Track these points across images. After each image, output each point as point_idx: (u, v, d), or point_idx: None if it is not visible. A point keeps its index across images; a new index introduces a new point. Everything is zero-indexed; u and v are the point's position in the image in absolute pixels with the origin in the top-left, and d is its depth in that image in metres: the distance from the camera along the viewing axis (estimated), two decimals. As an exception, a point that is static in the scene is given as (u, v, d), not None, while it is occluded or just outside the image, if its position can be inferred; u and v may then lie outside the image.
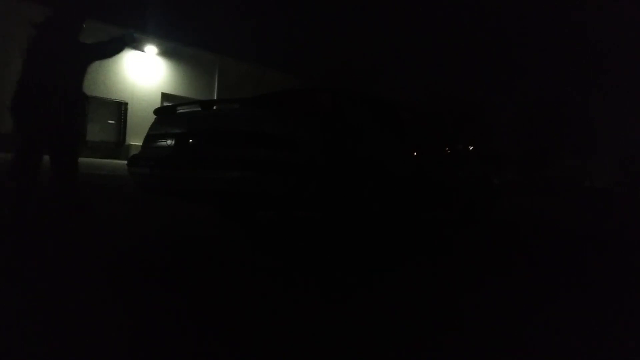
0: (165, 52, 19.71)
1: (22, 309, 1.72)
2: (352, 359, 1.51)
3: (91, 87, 17.51)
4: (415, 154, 4.57)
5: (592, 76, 29.09)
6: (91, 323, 1.63)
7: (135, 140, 17.95)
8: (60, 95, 3.16)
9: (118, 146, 18.19)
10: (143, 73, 19.18)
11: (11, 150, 3.29)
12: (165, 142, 3.52)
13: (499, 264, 3.41)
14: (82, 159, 3.98)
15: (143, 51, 19.05)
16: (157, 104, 18.82)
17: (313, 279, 2.47)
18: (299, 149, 3.20)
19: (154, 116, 3.95)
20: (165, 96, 19.75)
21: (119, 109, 18.34)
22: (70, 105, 3.22)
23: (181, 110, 3.64)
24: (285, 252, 3.19)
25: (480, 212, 5.72)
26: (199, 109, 3.43)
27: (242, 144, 3.02)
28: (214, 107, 3.56)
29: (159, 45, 19.43)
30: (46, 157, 3.57)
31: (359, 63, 26.26)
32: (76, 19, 3.27)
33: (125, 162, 3.88)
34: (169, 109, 3.78)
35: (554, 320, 2.06)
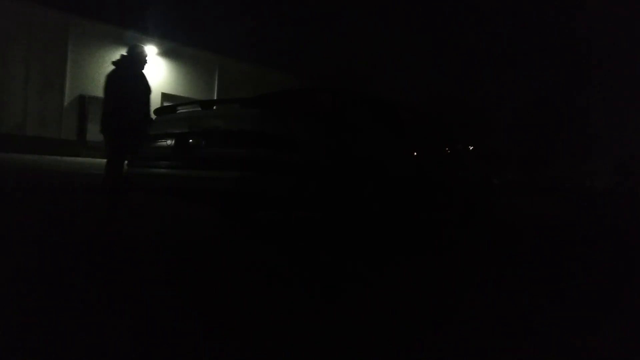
0: (165, 52, 19.71)
1: (21, 308, 1.72)
2: (351, 358, 1.51)
3: (92, 87, 17.57)
4: (415, 154, 4.57)
5: (592, 77, 29.13)
6: (93, 322, 1.63)
7: (135, 140, 17.91)
8: (133, 115, 3.93)
9: (118, 146, 18.15)
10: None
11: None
12: (165, 142, 3.52)
13: (499, 264, 3.41)
14: (82, 159, 4.03)
15: (143, 51, 19.03)
16: (157, 104, 18.79)
17: (313, 278, 2.47)
18: (299, 149, 3.20)
19: (154, 116, 3.95)
20: (165, 96, 19.74)
21: (119, 109, 18.31)
22: (139, 121, 3.99)
23: (181, 110, 3.64)
24: (285, 251, 3.19)
25: (480, 212, 5.72)
26: (199, 109, 3.43)
27: (242, 144, 3.01)
28: (214, 107, 3.55)
29: (159, 45, 19.43)
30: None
31: (359, 63, 26.27)
32: (142, 57, 4.28)
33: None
34: (169, 109, 3.78)
35: (553, 319, 2.06)
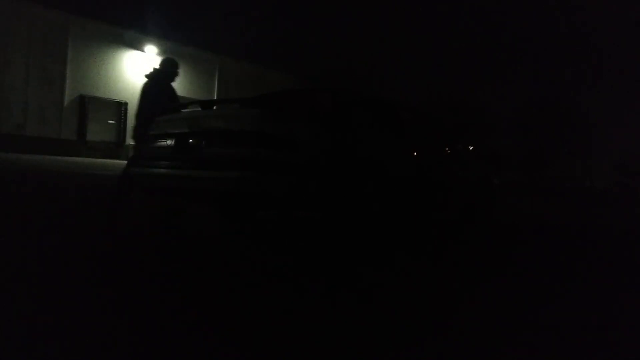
0: (165, 52, 19.70)
1: (20, 307, 1.72)
2: (352, 358, 1.51)
3: (92, 87, 17.58)
4: (415, 154, 4.57)
5: (592, 77, 29.15)
6: (91, 323, 1.63)
7: (135, 140, 17.92)
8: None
9: (118, 146, 18.19)
10: (143, 73, 19.17)
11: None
12: (165, 142, 3.52)
13: (499, 264, 3.41)
14: (82, 159, 4.12)
15: (143, 51, 19.06)
16: (157, 104, 18.80)
17: (313, 278, 2.47)
18: (299, 149, 3.20)
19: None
20: (165, 96, 19.71)
21: (119, 109, 18.34)
22: None
23: (181, 110, 3.65)
24: (285, 251, 3.19)
25: (480, 212, 5.72)
26: (199, 109, 3.43)
27: (242, 144, 3.01)
28: (214, 107, 3.55)
29: (159, 45, 19.44)
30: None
31: (359, 63, 26.29)
32: (172, 70, 4.65)
33: (125, 162, 3.88)
34: (169, 109, 3.78)
35: (553, 319, 2.06)
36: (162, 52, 19.58)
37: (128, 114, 18.47)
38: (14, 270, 2.22)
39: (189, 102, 3.72)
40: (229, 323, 1.72)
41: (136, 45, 18.82)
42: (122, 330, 1.59)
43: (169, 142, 3.47)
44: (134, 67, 18.79)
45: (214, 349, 1.49)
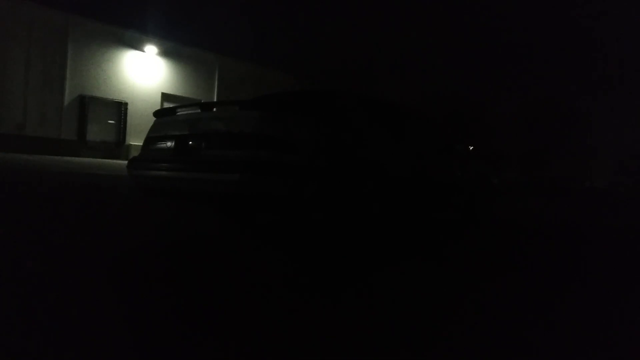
0: (165, 52, 19.70)
1: (20, 308, 1.73)
2: (353, 359, 1.51)
3: (92, 87, 17.57)
4: (415, 154, 4.57)
5: (593, 77, 29.15)
6: (91, 323, 1.63)
7: (135, 140, 17.95)
8: None
9: (118, 146, 18.18)
10: (143, 73, 19.16)
11: None
12: (165, 144, 3.52)
13: (499, 264, 3.41)
14: (82, 159, 4.05)
15: (143, 51, 19.05)
16: (157, 104, 18.82)
17: (313, 279, 2.48)
18: (298, 150, 3.20)
19: (154, 117, 3.95)
20: (165, 96, 19.73)
21: (119, 109, 18.32)
22: None
23: (181, 112, 3.65)
24: (285, 253, 3.19)
25: (480, 212, 5.73)
26: (199, 110, 3.43)
27: (242, 146, 3.01)
28: (214, 109, 3.56)
29: (159, 45, 19.42)
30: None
31: (359, 63, 26.27)
32: None
33: (125, 162, 3.88)
34: (168, 111, 3.78)
35: (553, 320, 2.06)
36: (162, 52, 19.58)
37: (128, 114, 18.46)
38: (14, 270, 2.22)
39: (189, 104, 3.72)
40: (230, 323, 1.72)
41: (136, 45, 18.80)
42: (121, 329, 1.60)
43: (168, 144, 3.47)
44: (134, 67, 18.77)
45: (214, 349, 1.49)
